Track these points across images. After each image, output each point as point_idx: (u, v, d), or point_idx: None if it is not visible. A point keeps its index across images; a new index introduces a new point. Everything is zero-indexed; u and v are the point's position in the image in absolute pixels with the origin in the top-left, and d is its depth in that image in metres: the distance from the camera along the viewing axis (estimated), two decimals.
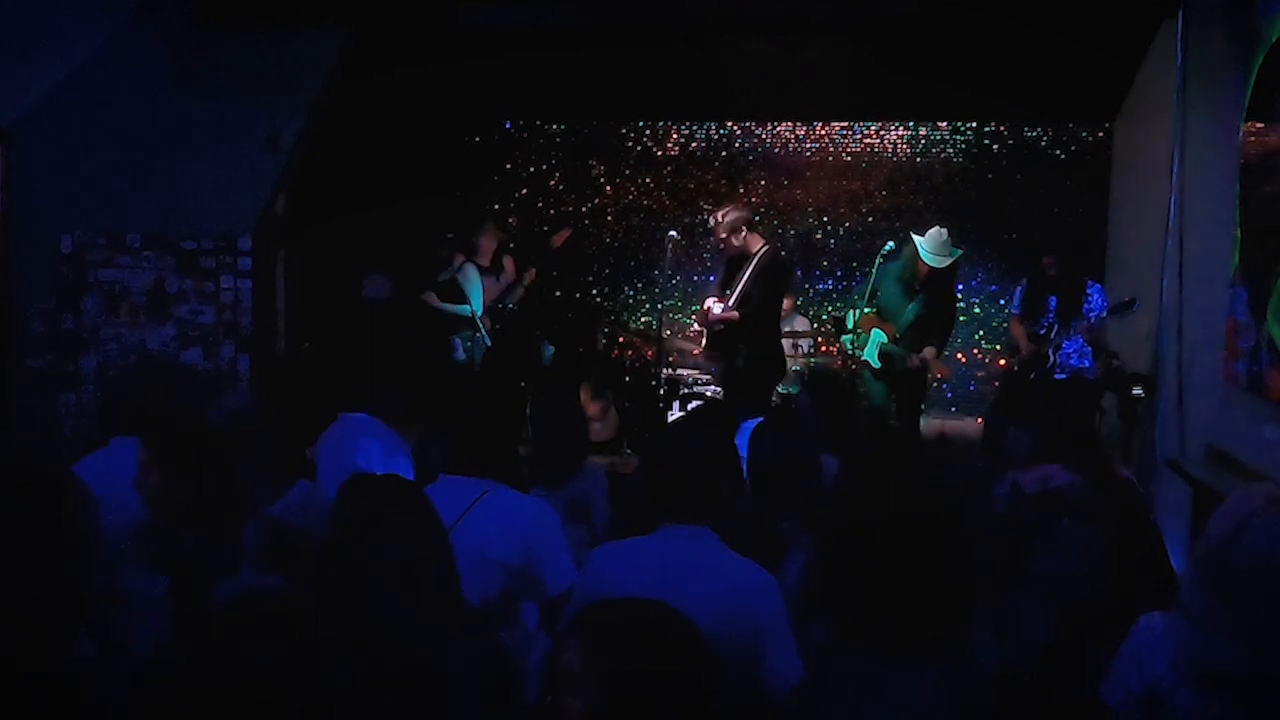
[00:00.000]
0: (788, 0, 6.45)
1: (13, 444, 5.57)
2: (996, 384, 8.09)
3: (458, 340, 7.20)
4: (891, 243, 6.63)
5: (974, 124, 8.34)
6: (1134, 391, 5.88)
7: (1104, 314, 6.27)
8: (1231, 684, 1.90)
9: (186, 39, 6.07)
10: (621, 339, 8.61)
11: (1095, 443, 3.39)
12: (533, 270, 7.62)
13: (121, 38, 6.02)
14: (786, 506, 3.15)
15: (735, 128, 8.61)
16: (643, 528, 2.62)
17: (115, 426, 3.23)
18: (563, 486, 3.66)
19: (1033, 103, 7.15)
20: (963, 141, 8.40)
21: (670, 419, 6.74)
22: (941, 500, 2.03)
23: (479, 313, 7.12)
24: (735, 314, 5.98)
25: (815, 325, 8.22)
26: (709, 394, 6.89)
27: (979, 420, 7.91)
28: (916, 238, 6.33)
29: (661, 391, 6.87)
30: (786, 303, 6.88)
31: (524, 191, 8.81)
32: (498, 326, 7.58)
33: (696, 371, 7.28)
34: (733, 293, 6.06)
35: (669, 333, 7.69)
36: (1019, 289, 6.84)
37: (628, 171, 8.73)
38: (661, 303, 7.76)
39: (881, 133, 8.51)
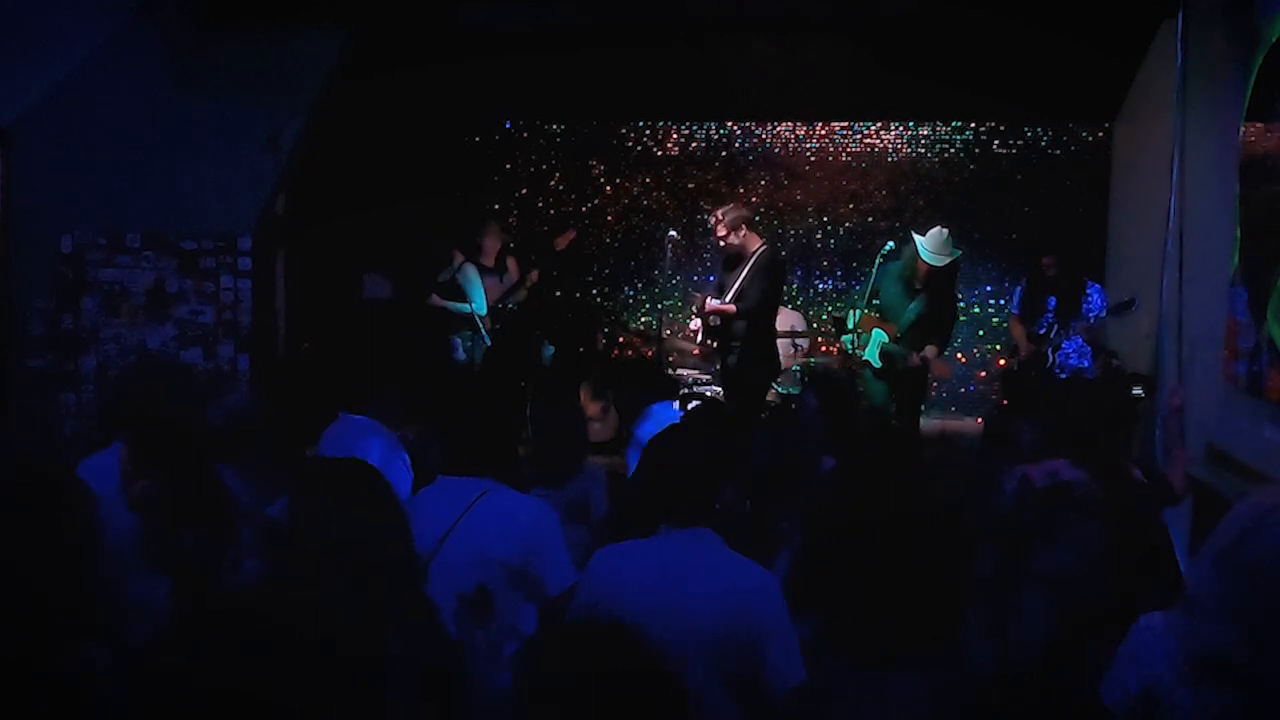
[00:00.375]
0: (788, 0, 6.46)
1: (13, 444, 5.56)
2: (996, 385, 8.10)
3: (458, 340, 7.20)
4: (891, 243, 6.63)
5: (974, 124, 8.34)
6: (1134, 391, 5.88)
7: (1104, 314, 6.27)
8: (1230, 675, 1.90)
9: (186, 39, 6.08)
10: (621, 339, 8.61)
11: (1102, 441, 3.37)
12: (536, 271, 7.62)
13: (121, 38, 6.03)
14: (786, 506, 3.15)
15: (735, 128, 8.61)
16: (643, 529, 2.62)
17: (117, 427, 3.23)
18: (563, 486, 3.67)
19: (1033, 103, 7.16)
20: (963, 141, 8.41)
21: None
22: (938, 499, 2.02)
23: (482, 312, 7.11)
24: (732, 307, 6.01)
25: (814, 325, 8.22)
26: (709, 394, 6.89)
27: (979, 420, 7.94)
28: (917, 237, 6.33)
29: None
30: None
31: (524, 191, 8.81)
32: (497, 326, 7.58)
33: (696, 372, 7.29)
34: (729, 290, 6.08)
35: (669, 333, 7.69)
36: (1019, 289, 6.84)
37: (628, 171, 8.74)
38: (661, 303, 7.76)
39: (881, 133, 8.52)
